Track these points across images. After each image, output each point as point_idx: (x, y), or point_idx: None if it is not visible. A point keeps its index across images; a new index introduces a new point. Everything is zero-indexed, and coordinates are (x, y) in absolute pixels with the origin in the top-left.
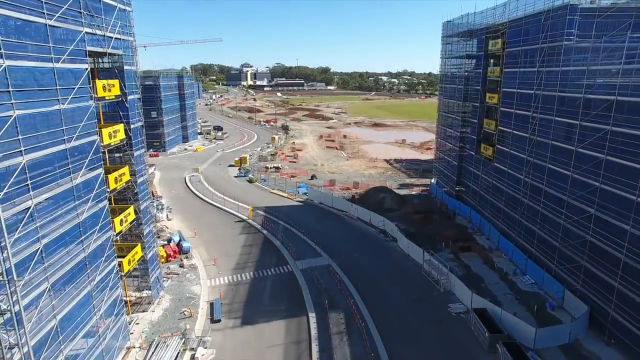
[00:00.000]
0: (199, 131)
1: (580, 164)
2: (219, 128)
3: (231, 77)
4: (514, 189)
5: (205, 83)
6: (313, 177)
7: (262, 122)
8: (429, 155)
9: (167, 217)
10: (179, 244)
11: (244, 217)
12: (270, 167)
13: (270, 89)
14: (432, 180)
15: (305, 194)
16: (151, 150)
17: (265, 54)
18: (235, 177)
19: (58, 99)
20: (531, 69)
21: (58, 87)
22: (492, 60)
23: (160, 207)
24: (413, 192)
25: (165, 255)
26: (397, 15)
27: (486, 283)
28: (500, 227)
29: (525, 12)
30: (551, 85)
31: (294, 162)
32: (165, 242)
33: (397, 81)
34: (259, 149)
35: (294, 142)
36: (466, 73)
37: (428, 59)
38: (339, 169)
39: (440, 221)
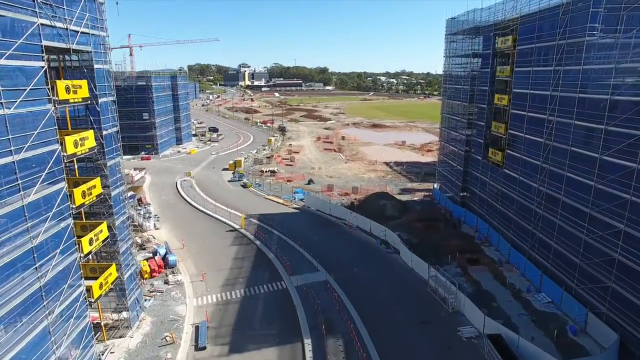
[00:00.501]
0: (193, 133)
1: (606, 173)
2: (214, 129)
3: (229, 77)
4: (526, 198)
5: (203, 83)
6: (310, 181)
7: (258, 123)
8: (430, 158)
9: (155, 226)
10: (164, 258)
11: (236, 226)
12: (266, 171)
13: (268, 89)
14: (435, 185)
15: (301, 200)
16: (143, 153)
17: (263, 54)
18: (229, 181)
19: (1, 103)
20: (547, 67)
21: (0, 89)
22: (500, 59)
23: (147, 215)
24: (415, 198)
25: (149, 270)
26: (395, 15)
27: (498, 302)
28: (511, 238)
29: (540, 6)
30: (570, 86)
31: (291, 165)
32: (151, 255)
33: (395, 81)
34: (255, 151)
35: (290, 144)
36: (472, 73)
37: (427, 59)
38: (337, 173)
39: (445, 230)
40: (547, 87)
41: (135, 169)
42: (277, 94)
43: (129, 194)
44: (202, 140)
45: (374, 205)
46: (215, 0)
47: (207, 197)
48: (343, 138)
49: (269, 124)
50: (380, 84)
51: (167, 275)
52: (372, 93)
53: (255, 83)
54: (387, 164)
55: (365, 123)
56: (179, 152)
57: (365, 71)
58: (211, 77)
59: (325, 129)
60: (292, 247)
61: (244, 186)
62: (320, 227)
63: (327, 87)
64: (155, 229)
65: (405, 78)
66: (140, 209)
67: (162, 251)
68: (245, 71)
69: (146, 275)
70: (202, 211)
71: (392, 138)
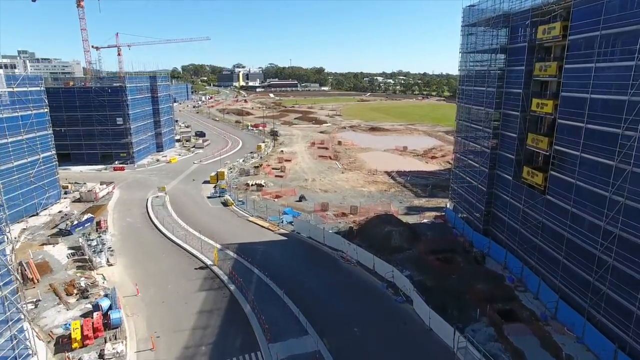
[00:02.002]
0: (177, 138)
1: None
2: (200, 134)
3: (223, 77)
4: (583, 237)
5: (196, 84)
6: (302, 198)
7: (249, 127)
8: (435, 166)
9: (108, 262)
10: (106, 314)
11: (208, 262)
12: (252, 185)
13: (263, 90)
14: (448, 205)
15: (290, 223)
16: (116, 162)
17: (259, 54)
18: (208, 197)
19: None
20: (622, 62)
21: None
22: (538, 54)
23: (99, 247)
24: (425, 220)
25: (79, 337)
26: (392, 15)
27: None
28: (558, 286)
29: None
30: None
31: (281, 176)
32: (90, 308)
33: (392, 82)
34: (242, 159)
35: (282, 151)
36: (499, 72)
37: (423, 59)
38: (332, 185)
39: (465, 266)
40: (621, 90)
41: (102, 183)
42: (272, 95)
43: (85, 216)
44: (185, 146)
45: (378, 232)
46: (211, 0)
47: (179, 219)
48: (339, 143)
49: (260, 128)
50: (377, 84)
51: (105, 342)
52: (369, 94)
53: (250, 84)
54: (388, 173)
55: (363, 126)
56: (157, 160)
57: (361, 71)
58: (205, 78)
59: (321, 132)
60: (274, 294)
61: (225, 204)
62: (311, 262)
63: (323, 88)
64: (108, 265)
65: (402, 78)
66: (92, 240)
67: (105, 304)
68: (239, 72)
69: (75, 345)
70: (170, 239)
71: (392, 143)
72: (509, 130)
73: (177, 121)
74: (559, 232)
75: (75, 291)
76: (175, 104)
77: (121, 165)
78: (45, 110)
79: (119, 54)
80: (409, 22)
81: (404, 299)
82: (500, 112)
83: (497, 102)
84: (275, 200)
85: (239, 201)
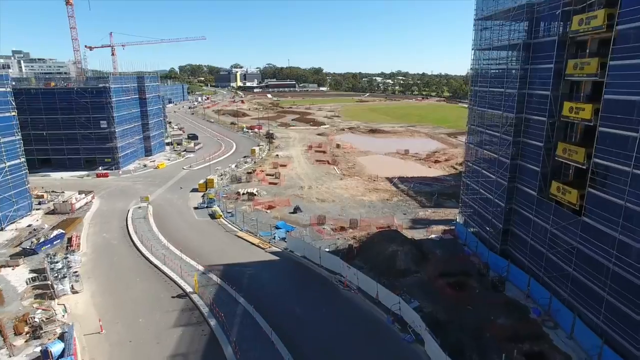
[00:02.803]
0: (168, 141)
1: None
2: (193, 137)
3: (220, 78)
4: (633, 271)
5: (193, 84)
6: (296, 209)
7: (244, 129)
8: (438, 171)
9: (72, 289)
10: None
11: (188, 289)
12: (243, 193)
13: (261, 90)
14: (457, 218)
15: (283, 239)
16: (100, 168)
17: (257, 55)
18: (195, 208)
19: None
20: None
21: None
22: (571, 50)
23: (64, 271)
24: (432, 236)
25: None
26: (389, 15)
27: None
28: (600, 327)
29: None
30: None
31: (275, 183)
32: (39, 354)
33: (391, 82)
34: (234, 165)
35: (277, 155)
36: (520, 71)
37: (423, 59)
38: (330, 194)
39: (482, 294)
40: None
41: (80, 192)
42: (269, 96)
43: (55, 232)
44: (176, 150)
45: (381, 251)
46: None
47: (160, 235)
48: (338, 146)
49: (256, 130)
50: (376, 84)
51: None
52: (367, 94)
53: (248, 84)
54: (390, 180)
55: (362, 128)
56: (145, 166)
57: (360, 72)
58: (202, 78)
59: (319, 135)
60: (261, 332)
61: (213, 216)
62: (305, 288)
63: (322, 88)
64: (73, 293)
65: (401, 79)
66: (57, 262)
67: (57, 349)
68: (237, 72)
69: None
70: (148, 260)
71: (393, 146)
72: (532, 137)
73: (170, 123)
74: (599, 262)
75: (26, 329)
76: (170, 105)
77: (105, 172)
78: (13, 113)
79: (112, 54)
80: (408, 22)
81: (413, 338)
82: (521, 117)
83: (519, 106)
84: (268, 211)
85: (228, 213)
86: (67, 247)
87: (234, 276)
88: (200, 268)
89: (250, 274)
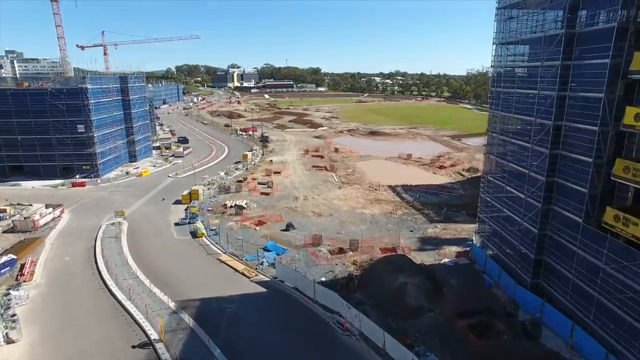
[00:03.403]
0: (156, 145)
1: None
2: (183, 140)
3: (217, 78)
4: None
5: (190, 84)
6: (289, 226)
7: (238, 132)
8: (444, 177)
9: (6, 338)
10: None
11: (153, 336)
12: (231, 206)
13: (258, 91)
14: (474, 239)
15: (272, 265)
16: (77, 176)
17: (254, 55)
18: (175, 224)
19: None
20: None
21: None
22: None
23: (4, 310)
24: (445, 260)
25: None
26: (390, 15)
27: None
28: None
29: None
30: None
31: (267, 193)
32: None
33: (390, 82)
34: (224, 172)
35: (271, 161)
36: (559, 69)
37: (422, 59)
38: (328, 205)
39: (512, 342)
40: None
41: (47, 206)
42: (266, 96)
43: (4, 259)
44: (164, 155)
45: (388, 284)
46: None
47: (131, 258)
48: (336, 150)
49: (250, 132)
50: (374, 84)
51: None
52: (366, 94)
53: (245, 84)
54: (392, 188)
55: (361, 130)
56: (127, 173)
57: (358, 72)
58: (199, 79)
59: (316, 137)
60: None
61: (194, 234)
62: (296, 331)
63: (320, 89)
64: (7, 343)
65: (400, 79)
66: None
67: None
68: (234, 72)
69: None
70: (111, 293)
71: (395, 149)
72: (576, 151)
73: (161, 125)
74: None
75: None
76: (165, 106)
77: (82, 180)
78: None
79: (105, 54)
80: (406, 22)
81: None
82: (560, 124)
83: (558, 112)
84: (257, 228)
85: (212, 230)
86: (17, 276)
87: (211, 316)
88: (172, 305)
89: (231, 314)
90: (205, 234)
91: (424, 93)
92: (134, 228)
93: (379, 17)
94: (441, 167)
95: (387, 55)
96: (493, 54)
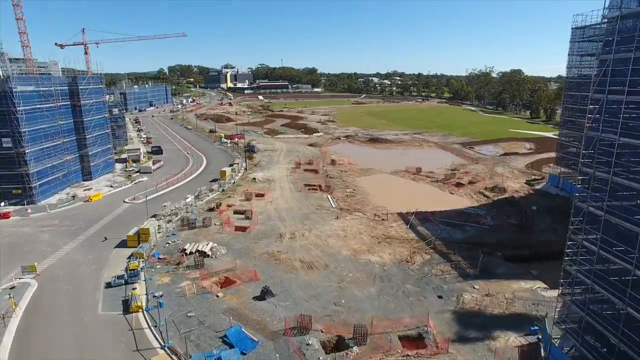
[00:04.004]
0: (124, 156)
1: None
2: (157, 151)
3: (210, 79)
4: None
5: (181, 85)
6: (265, 293)
7: (222, 139)
8: (464, 200)
9: None
10: None
11: None
12: (191, 253)
13: (252, 92)
14: (548, 329)
15: None
16: (2, 204)
17: (249, 55)
18: (107, 286)
19: None
20: None
21: None
22: None
23: None
24: None
25: None
26: (386, 14)
27: None
28: None
29: None
30: None
31: (244, 228)
32: None
33: (389, 82)
34: (194, 195)
35: (255, 179)
36: None
37: (420, 59)
38: (322, 248)
39: None
40: None
41: None
42: (260, 97)
43: None
44: (128, 171)
45: None
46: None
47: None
48: (333, 162)
49: (236, 139)
50: (372, 85)
51: None
52: (364, 95)
53: (239, 85)
54: (404, 218)
55: (360, 136)
56: (73, 197)
57: (355, 72)
58: (192, 79)
59: (311, 145)
60: None
61: (128, 307)
62: None
63: (316, 89)
64: None
65: (398, 79)
66: None
67: None
68: (227, 72)
69: None
70: None
71: (400, 160)
72: None
73: (140, 130)
74: None
75: None
76: (151, 109)
77: (6, 211)
78: None
79: (86, 52)
80: (403, 21)
81: None
82: None
83: None
84: (220, 294)
85: (155, 297)
86: None
87: None
88: None
89: None
90: (144, 307)
91: (423, 94)
92: (43, 296)
93: (376, 17)
94: (458, 185)
95: (384, 55)
96: (569, 52)
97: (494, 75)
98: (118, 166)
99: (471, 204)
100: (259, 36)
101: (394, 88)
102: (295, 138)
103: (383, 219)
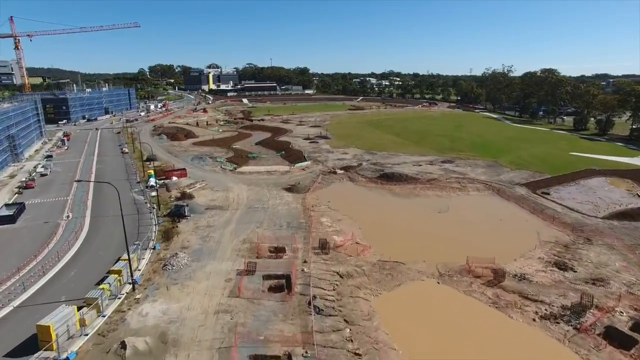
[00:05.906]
0: None
1: None
2: (8, 218)
3: (190, 80)
4: None
5: (158, 87)
6: None
7: (151, 181)
8: None
9: None
10: None
11: None
12: None
13: (236, 94)
14: None
15: None
16: None
17: (237, 55)
18: None
19: None
20: None
21: None
22: None
23: None
24: None
25: None
26: (382, 13)
27: None
28: None
29: None
30: None
31: None
32: None
33: (387, 83)
34: None
35: (123, 346)
36: None
37: (418, 59)
38: None
39: None
40: None
41: None
42: (245, 100)
43: None
44: None
45: None
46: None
47: None
48: (323, 247)
49: (174, 178)
50: (369, 86)
51: None
52: (361, 98)
53: (222, 87)
54: None
55: (365, 165)
56: None
57: (349, 72)
58: (172, 80)
59: (289, 189)
60: None
61: None
62: None
63: (307, 91)
64: None
65: (396, 79)
66: None
67: None
68: (209, 72)
69: None
70: None
71: (441, 225)
72: None
73: (50, 157)
74: None
75: None
76: (105, 117)
77: None
78: None
79: (16, 47)
80: (400, 21)
81: None
82: None
83: None
84: None
85: None
86: None
87: None
88: None
89: None
90: None
91: (427, 96)
92: None
93: (372, 16)
94: (586, 331)
95: (380, 52)
96: None
97: (513, 75)
98: None
99: None
100: (247, 35)
101: (394, 90)
102: (268, 172)
103: None
